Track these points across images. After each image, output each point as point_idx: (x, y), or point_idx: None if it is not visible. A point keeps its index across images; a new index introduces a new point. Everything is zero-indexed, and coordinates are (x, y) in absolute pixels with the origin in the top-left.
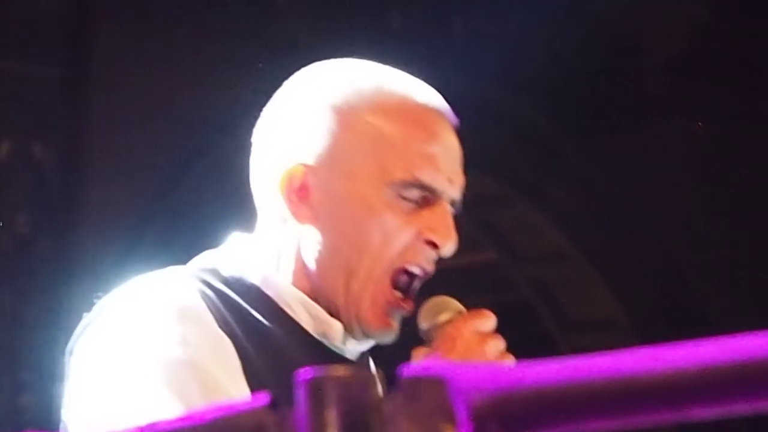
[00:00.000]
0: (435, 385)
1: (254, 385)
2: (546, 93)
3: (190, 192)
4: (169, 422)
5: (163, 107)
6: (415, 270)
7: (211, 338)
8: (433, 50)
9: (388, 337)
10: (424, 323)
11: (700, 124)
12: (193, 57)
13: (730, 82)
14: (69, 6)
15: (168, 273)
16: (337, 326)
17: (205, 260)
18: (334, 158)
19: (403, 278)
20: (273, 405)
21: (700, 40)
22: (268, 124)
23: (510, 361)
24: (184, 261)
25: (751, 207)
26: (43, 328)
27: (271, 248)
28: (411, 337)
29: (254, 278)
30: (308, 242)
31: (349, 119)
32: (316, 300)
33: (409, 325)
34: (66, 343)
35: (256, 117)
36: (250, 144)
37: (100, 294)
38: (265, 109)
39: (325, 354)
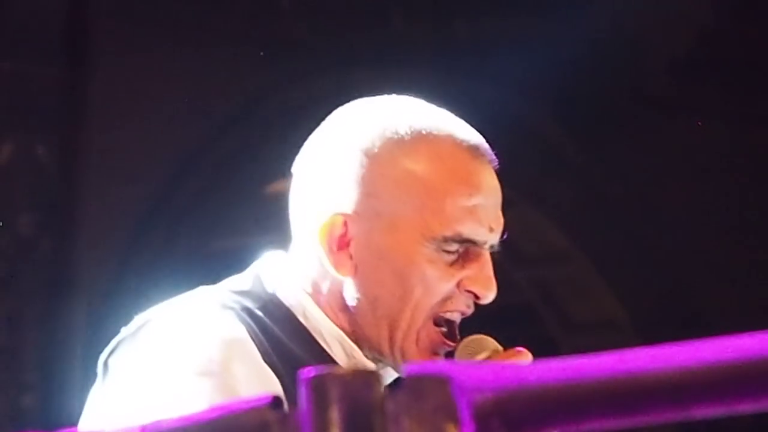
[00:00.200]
0: (438, 383)
1: None
2: (548, 94)
3: (191, 192)
4: (174, 420)
5: (163, 107)
6: (454, 317)
7: (258, 373)
8: (435, 52)
9: None
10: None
11: (699, 124)
12: (194, 57)
13: (733, 84)
14: (69, 5)
15: (208, 296)
16: (371, 368)
17: (240, 282)
18: (375, 209)
19: (444, 322)
20: (276, 404)
21: (703, 42)
22: (308, 166)
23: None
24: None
25: (753, 207)
26: (43, 328)
27: (308, 277)
28: None
29: (292, 307)
30: (349, 290)
31: (388, 168)
32: (356, 340)
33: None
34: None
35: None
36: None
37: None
38: (305, 145)
39: None
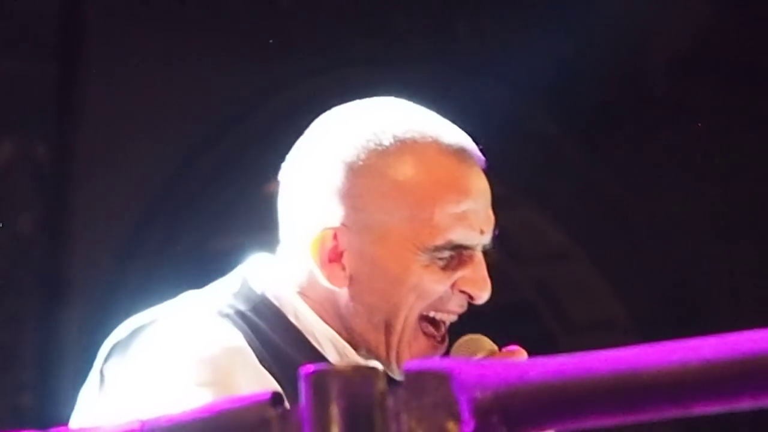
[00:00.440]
0: (438, 380)
1: None
2: (549, 94)
3: (191, 192)
4: (175, 416)
5: (163, 106)
6: (445, 318)
7: (259, 379)
8: (435, 51)
9: None
10: None
11: (699, 124)
12: (193, 57)
13: (733, 84)
14: (69, 5)
15: (201, 303)
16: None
17: (228, 285)
18: (363, 222)
19: (433, 322)
20: (276, 400)
21: (703, 42)
22: (295, 177)
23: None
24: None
25: (753, 207)
26: (41, 328)
27: (298, 280)
28: None
29: (283, 308)
30: (343, 298)
31: (374, 180)
32: (350, 342)
33: None
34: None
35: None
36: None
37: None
38: (291, 154)
39: None
